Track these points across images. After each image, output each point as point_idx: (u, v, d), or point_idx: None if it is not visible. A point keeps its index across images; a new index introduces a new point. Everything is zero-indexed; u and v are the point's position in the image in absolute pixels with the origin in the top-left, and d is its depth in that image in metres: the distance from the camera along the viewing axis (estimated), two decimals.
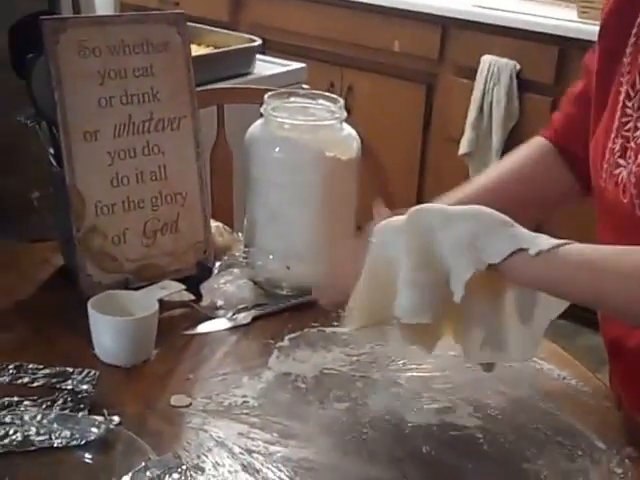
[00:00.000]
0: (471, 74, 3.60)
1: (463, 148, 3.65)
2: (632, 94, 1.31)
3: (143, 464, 1.07)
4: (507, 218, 1.16)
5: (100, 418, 1.17)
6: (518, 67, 3.48)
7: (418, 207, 1.18)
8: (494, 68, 3.51)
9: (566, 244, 1.13)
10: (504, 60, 3.50)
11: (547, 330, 1.53)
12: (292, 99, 1.60)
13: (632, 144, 1.28)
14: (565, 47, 3.38)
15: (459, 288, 1.13)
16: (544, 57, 3.46)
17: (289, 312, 1.51)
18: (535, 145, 1.51)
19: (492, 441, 1.21)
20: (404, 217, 1.19)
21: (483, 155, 3.63)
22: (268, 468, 1.14)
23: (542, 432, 1.23)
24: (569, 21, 3.45)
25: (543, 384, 1.34)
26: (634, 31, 1.32)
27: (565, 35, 3.37)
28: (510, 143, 3.56)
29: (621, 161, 1.29)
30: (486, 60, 3.54)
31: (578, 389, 1.34)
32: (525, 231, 1.15)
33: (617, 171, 1.29)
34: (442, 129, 3.83)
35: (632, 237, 1.21)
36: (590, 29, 3.03)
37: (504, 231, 1.14)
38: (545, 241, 1.13)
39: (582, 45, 3.06)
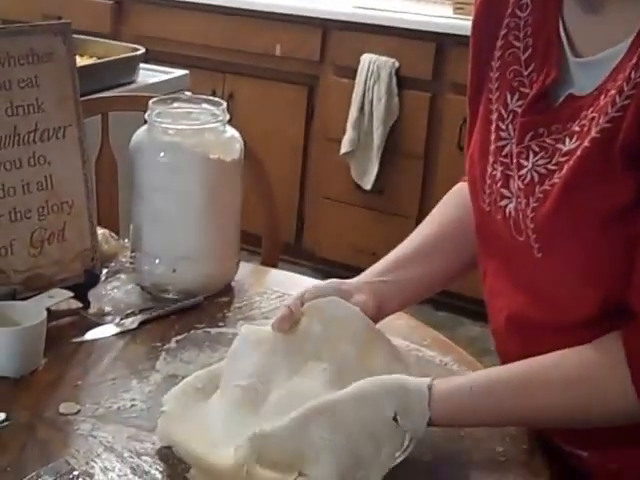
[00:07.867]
0: (351, 74, 3.66)
1: (344, 147, 3.70)
2: (505, 115, 1.23)
3: (34, 472, 1.07)
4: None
5: None
6: (397, 64, 3.55)
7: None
8: (374, 66, 3.57)
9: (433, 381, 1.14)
10: (384, 58, 3.57)
11: (428, 321, 1.59)
12: (176, 104, 1.62)
13: (514, 175, 1.20)
14: (441, 43, 3.45)
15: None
16: (422, 54, 3.53)
17: (176, 315, 1.53)
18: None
19: None
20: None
21: (364, 153, 3.69)
22: (157, 469, 1.14)
23: None
24: (445, 17, 3.54)
25: (426, 371, 1.31)
26: (502, 33, 1.25)
27: (441, 32, 3.44)
28: (391, 140, 3.64)
29: (505, 191, 1.22)
30: (366, 59, 3.60)
31: (461, 374, 1.34)
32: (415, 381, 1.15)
33: (503, 203, 1.22)
34: (324, 130, 3.88)
35: (523, 272, 1.21)
36: (465, 24, 3.07)
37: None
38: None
39: (458, 40, 3.14)
